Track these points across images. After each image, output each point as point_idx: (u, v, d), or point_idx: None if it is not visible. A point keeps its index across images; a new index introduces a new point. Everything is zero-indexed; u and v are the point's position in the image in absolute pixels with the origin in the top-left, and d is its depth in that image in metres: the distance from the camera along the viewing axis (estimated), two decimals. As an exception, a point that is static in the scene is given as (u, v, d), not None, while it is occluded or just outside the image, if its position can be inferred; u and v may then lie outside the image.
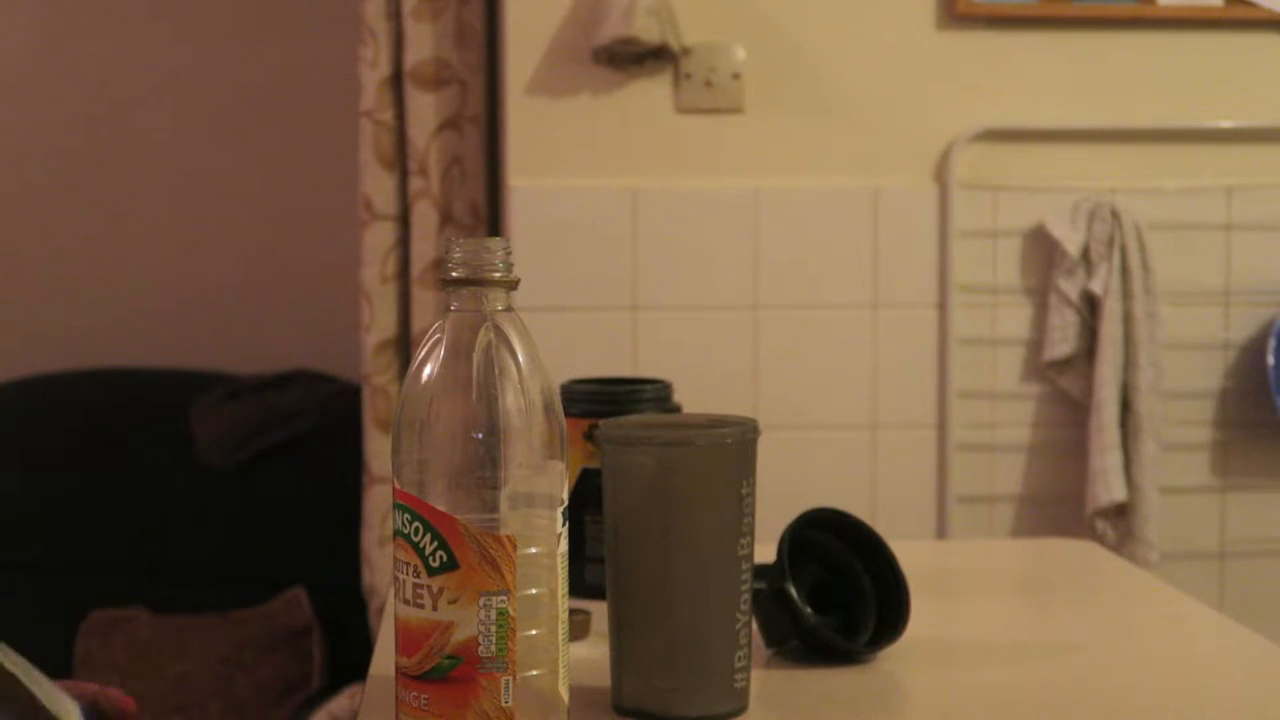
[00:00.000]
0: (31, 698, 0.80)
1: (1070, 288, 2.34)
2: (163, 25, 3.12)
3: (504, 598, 0.80)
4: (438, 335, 0.83)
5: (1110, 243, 2.34)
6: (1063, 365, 2.37)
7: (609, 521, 0.97)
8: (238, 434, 2.71)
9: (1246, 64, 2.42)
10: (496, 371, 0.81)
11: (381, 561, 2.43)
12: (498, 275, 0.83)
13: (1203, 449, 2.43)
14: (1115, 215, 2.34)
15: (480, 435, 0.81)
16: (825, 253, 2.36)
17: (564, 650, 0.84)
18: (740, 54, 2.33)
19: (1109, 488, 2.30)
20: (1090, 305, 2.35)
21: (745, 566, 0.97)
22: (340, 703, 2.42)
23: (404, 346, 2.46)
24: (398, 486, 0.83)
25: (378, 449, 2.44)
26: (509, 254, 0.84)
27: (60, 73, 3.09)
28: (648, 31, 2.21)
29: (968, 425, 2.39)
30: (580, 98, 2.32)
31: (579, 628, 1.12)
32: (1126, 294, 2.34)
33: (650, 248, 2.33)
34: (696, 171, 2.34)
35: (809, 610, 1.08)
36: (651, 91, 2.32)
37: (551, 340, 2.15)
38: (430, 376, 0.82)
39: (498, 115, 2.45)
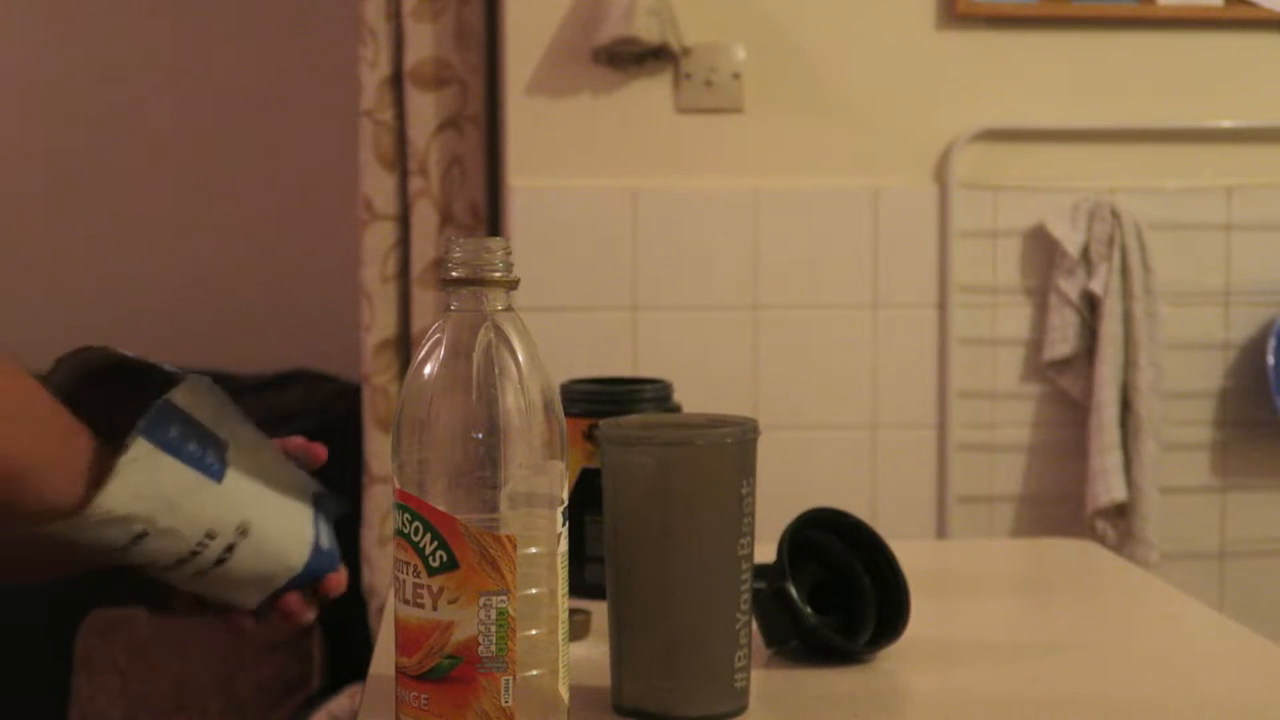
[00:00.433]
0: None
1: (1070, 287, 2.34)
2: (163, 25, 3.12)
3: (504, 598, 0.80)
4: (438, 335, 0.83)
5: (1110, 242, 2.33)
6: (1063, 365, 2.37)
7: (609, 521, 0.97)
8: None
9: (1246, 64, 2.42)
10: (496, 371, 0.81)
11: (381, 561, 2.43)
12: (498, 275, 0.83)
13: (1203, 449, 2.43)
14: (1115, 215, 2.34)
15: (480, 435, 0.81)
16: (825, 253, 2.36)
17: (564, 650, 0.84)
18: (740, 54, 2.33)
19: (1109, 487, 2.30)
20: (1090, 305, 2.35)
21: (745, 566, 0.97)
22: (340, 703, 2.42)
23: (404, 346, 2.46)
24: (397, 486, 0.83)
25: (378, 449, 2.43)
26: (509, 254, 0.84)
27: (60, 72, 3.09)
28: (648, 31, 2.21)
29: (968, 425, 2.39)
30: (580, 98, 2.32)
31: (579, 628, 1.12)
32: (1126, 294, 2.34)
33: (650, 248, 2.33)
34: (696, 171, 2.34)
35: (809, 610, 1.08)
36: (651, 91, 2.32)
37: (551, 340, 2.15)
38: (430, 376, 0.82)
39: (498, 115, 2.45)
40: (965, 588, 1.38)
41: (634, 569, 0.96)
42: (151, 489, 0.86)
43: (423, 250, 2.41)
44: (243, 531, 0.91)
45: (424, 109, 2.40)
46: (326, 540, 1.01)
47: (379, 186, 2.43)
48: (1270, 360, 2.36)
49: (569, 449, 0.85)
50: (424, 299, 2.42)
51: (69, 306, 3.09)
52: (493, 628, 0.80)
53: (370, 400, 2.44)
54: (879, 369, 2.38)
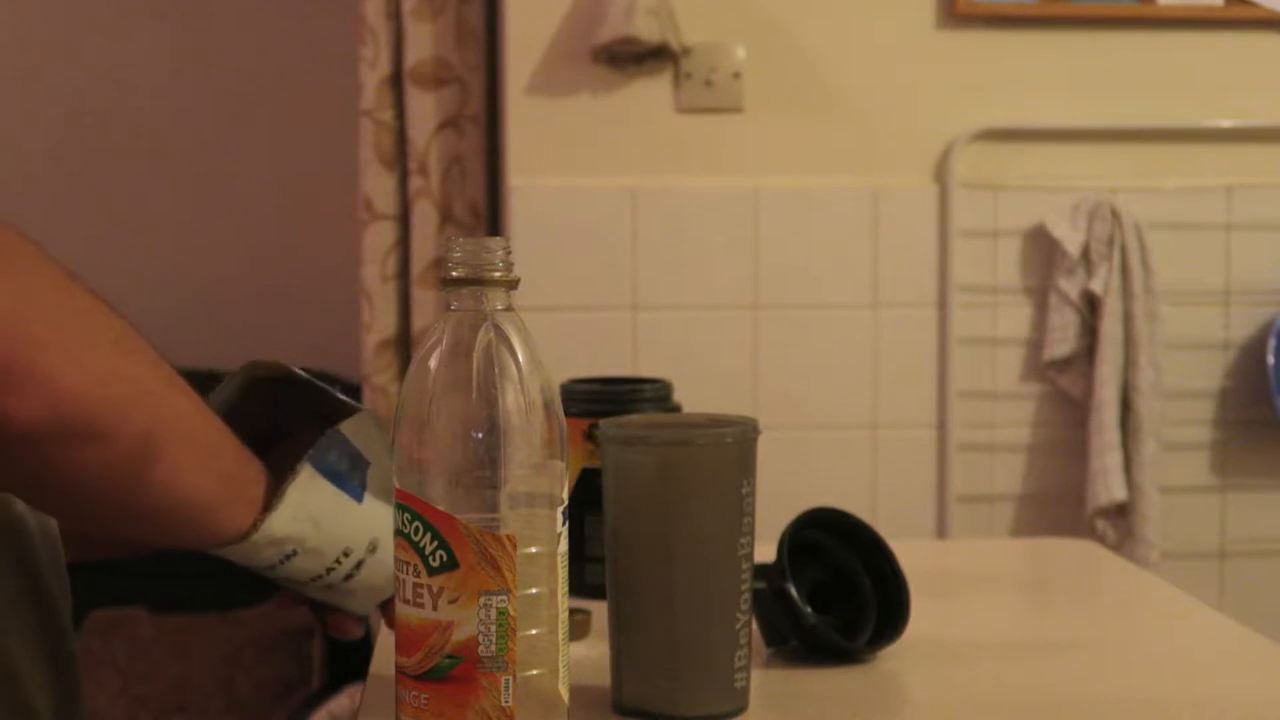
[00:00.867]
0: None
1: (1070, 287, 2.34)
2: (162, 24, 3.12)
3: (504, 597, 0.80)
4: (438, 335, 0.83)
5: (1110, 242, 2.33)
6: (1063, 365, 2.37)
7: (609, 521, 0.97)
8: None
9: (1246, 64, 2.42)
10: (496, 371, 0.81)
11: (381, 561, 2.42)
12: (498, 275, 0.83)
13: (1203, 449, 2.43)
14: (1115, 215, 2.34)
15: (480, 435, 0.81)
16: (825, 252, 2.36)
17: (564, 650, 0.84)
18: (740, 53, 2.32)
19: (1109, 487, 2.30)
20: (1090, 305, 2.35)
21: (745, 566, 0.97)
22: (340, 702, 2.42)
23: (404, 346, 2.46)
24: (397, 486, 0.83)
25: (378, 449, 2.43)
26: (509, 253, 0.84)
27: (60, 72, 3.09)
28: (648, 31, 2.21)
29: (968, 425, 2.39)
30: (580, 97, 2.32)
31: (579, 628, 1.12)
32: (1126, 293, 2.34)
33: (650, 248, 2.33)
34: (696, 171, 2.34)
35: (809, 610, 1.08)
36: (651, 91, 2.32)
37: (551, 340, 2.15)
38: (430, 376, 0.82)
39: (498, 115, 2.45)
40: (965, 588, 1.38)
41: (634, 569, 0.96)
42: (306, 511, 0.88)
43: (423, 250, 2.41)
44: (372, 549, 0.92)
45: (424, 108, 2.40)
46: None
47: (379, 186, 2.43)
48: (1270, 360, 2.36)
49: (569, 449, 0.85)
50: (424, 299, 2.42)
51: (69, 306, 3.08)
52: (493, 627, 0.80)
53: (370, 400, 2.44)
54: (879, 369, 2.38)
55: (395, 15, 2.41)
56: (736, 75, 2.33)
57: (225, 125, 3.12)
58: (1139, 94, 2.40)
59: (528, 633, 0.81)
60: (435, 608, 0.81)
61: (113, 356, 0.76)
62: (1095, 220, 2.34)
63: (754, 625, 1.02)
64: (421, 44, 2.39)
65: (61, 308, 0.76)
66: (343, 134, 2.64)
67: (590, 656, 1.06)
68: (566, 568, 0.84)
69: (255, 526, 0.85)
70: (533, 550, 0.82)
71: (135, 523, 0.83)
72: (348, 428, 0.91)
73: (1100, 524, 2.34)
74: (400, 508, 0.82)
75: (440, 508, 0.81)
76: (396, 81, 2.42)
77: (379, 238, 2.43)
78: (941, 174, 2.37)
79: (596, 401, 1.27)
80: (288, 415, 0.96)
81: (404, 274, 2.45)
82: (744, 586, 0.97)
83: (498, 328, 0.82)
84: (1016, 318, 2.39)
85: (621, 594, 0.97)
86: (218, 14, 3.12)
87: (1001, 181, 2.38)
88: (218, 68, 3.12)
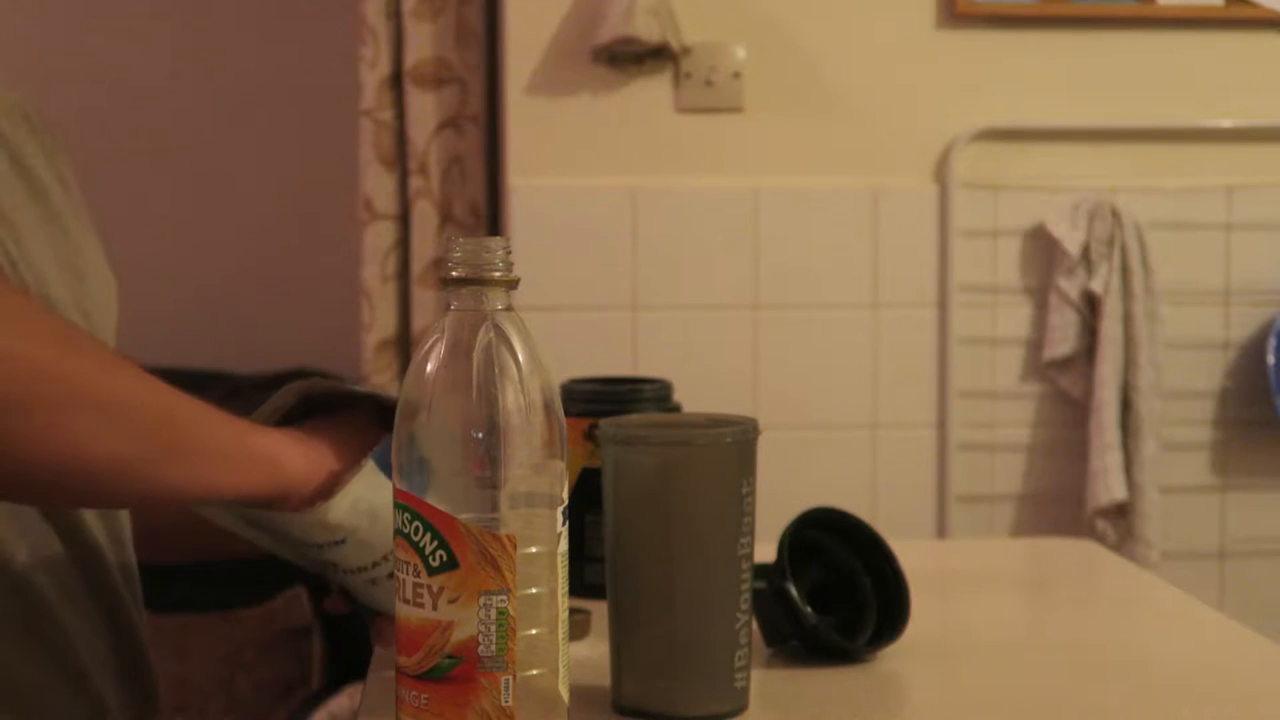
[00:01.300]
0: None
1: (1070, 287, 2.34)
2: (162, 24, 3.12)
3: (504, 597, 0.80)
4: (438, 334, 0.83)
5: (1110, 242, 2.33)
6: (1063, 365, 2.37)
7: (609, 521, 0.97)
8: None
9: (1246, 64, 2.42)
10: (496, 371, 0.81)
11: (381, 561, 2.42)
12: (498, 274, 0.83)
13: (1203, 449, 2.43)
14: (1115, 215, 2.34)
15: (480, 435, 0.81)
16: (825, 253, 2.36)
17: (564, 650, 0.84)
18: (740, 53, 2.32)
19: (1109, 487, 2.30)
20: (1090, 305, 2.35)
21: (745, 566, 0.97)
22: (340, 702, 2.42)
23: (404, 346, 2.46)
24: (397, 486, 0.83)
25: (378, 449, 2.43)
26: (509, 253, 0.84)
27: (60, 71, 3.09)
28: (648, 31, 2.21)
29: (968, 425, 2.39)
30: (580, 97, 2.32)
31: (579, 627, 1.12)
32: (1127, 293, 2.34)
33: (650, 248, 2.33)
34: (696, 171, 2.34)
35: (809, 610, 1.08)
36: (651, 91, 2.32)
37: (551, 340, 2.15)
38: (430, 376, 0.82)
39: (498, 115, 2.45)
40: (965, 587, 1.38)
41: (634, 569, 0.96)
42: (366, 504, 0.91)
43: (423, 250, 2.41)
44: None
45: (424, 108, 2.40)
46: None
47: (379, 186, 2.43)
48: (1270, 360, 2.36)
49: (569, 449, 0.85)
50: (424, 298, 2.42)
51: (69, 306, 3.09)
52: (493, 627, 0.80)
53: (370, 400, 2.44)
54: (879, 369, 2.38)
55: (395, 15, 2.41)
56: (736, 75, 2.33)
57: (225, 125, 3.12)
58: (1139, 94, 2.40)
59: (528, 633, 0.81)
60: (435, 607, 0.81)
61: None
62: (1095, 220, 2.34)
63: (754, 625, 1.02)
64: (421, 44, 2.39)
65: None
66: (343, 134, 2.64)
67: (590, 656, 1.06)
68: (566, 568, 0.84)
69: (311, 505, 0.89)
70: (533, 550, 0.82)
71: (68, 489, 0.86)
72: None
73: (1100, 524, 2.34)
74: (400, 508, 0.82)
75: (440, 508, 0.81)
76: (396, 81, 2.42)
77: (379, 238, 2.43)
78: (941, 174, 2.37)
79: (596, 401, 1.27)
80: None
81: (404, 274, 2.45)
82: (744, 586, 0.97)
83: (498, 328, 0.82)
84: (1016, 318, 2.39)
85: (621, 594, 0.97)
86: (218, 14, 3.12)
87: (1001, 181, 2.38)
88: (218, 67, 3.11)
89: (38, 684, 1.00)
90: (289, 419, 0.96)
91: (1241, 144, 2.42)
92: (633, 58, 2.29)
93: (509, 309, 0.83)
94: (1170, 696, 1.04)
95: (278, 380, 2.90)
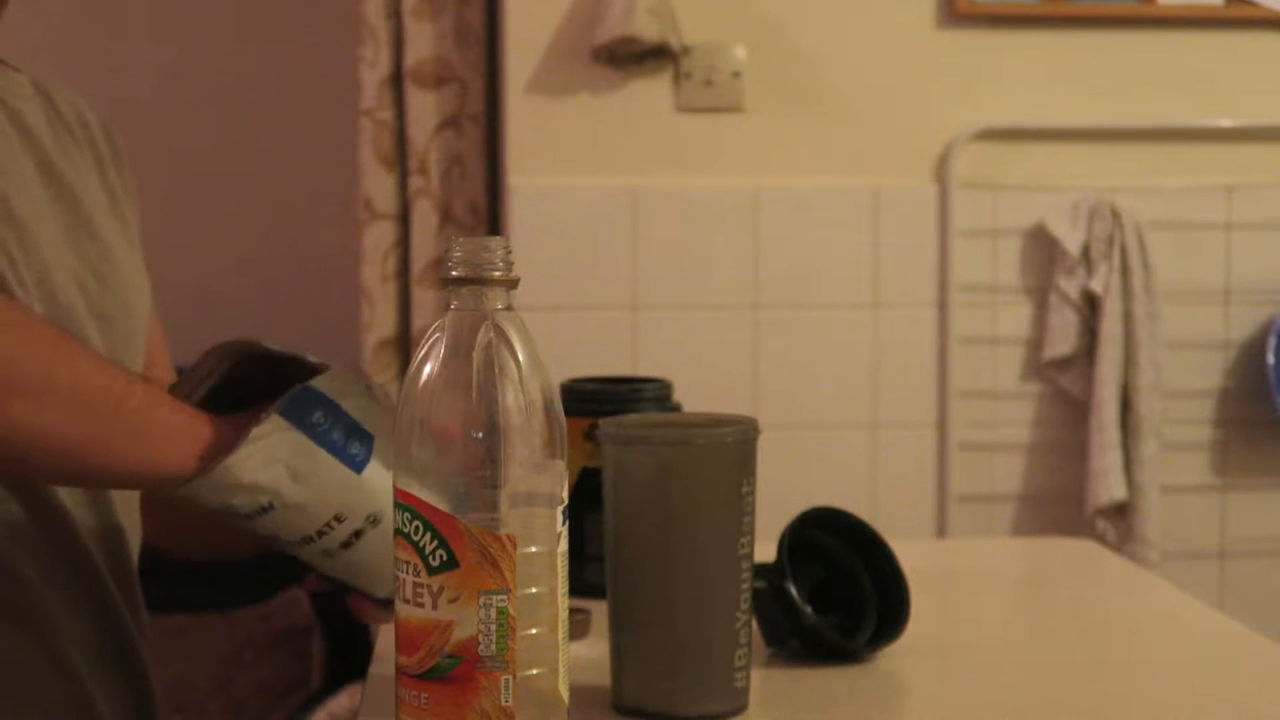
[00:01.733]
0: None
1: (1070, 287, 2.34)
2: (162, 24, 3.12)
3: (504, 597, 0.80)
4: (438, 334, 0.83)
5: (1110, 242, 2.33)
6: (1063, 364, 2.37)
7: (609, 521, 0.97)
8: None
9: (1246, 64, 2.42)
10: (496, 370, 0.81)
11: (381, 561, 2.42)
12: (498, 274, 0.83)
13: (1203, 448, 2.43)
14: (1115, 214, 2.34)
15: (480, 434, 0.81)
16: (825, 252, 2.36)
17: (564, 649, 0.84)
18: (740, 53, 2.32)
19: (1109, 487, 2.30)
20: (1090, 304, 2.35)
21: (745, 566, 0.97)
22: (340, 702, 2.42)
23: (404, 346, 2.46)
24: (397, 485, 0.83)
25: (378, 448, 2.43)
26: (509, 253, 0.84)
27: (59, 71, 3.08)
28: (648, 30, 2.21)
29: (968, 424, 2.39)
30: (580, 97, 2.32)
31: (579, 627, 1.12)
32: (1127, 293, 2.34)
33: (650, 247, 2.33)
34: (696, 171, 2.34)
35: (809, 609, 1.08)
36: (651, 90, 2.32)
37: (551, 340, 2.15)
38: (430, 375, 0.82)
39: (498, 114, 2.45)
40: (965, 587, 1.38)
41: (634, 569, 0.96)
42: (281, 464, 0.91)
43: (423, 249, 2.41)
44: (374, 521, 0.94)
45: (424, 108, 2.40)
46: None
47: (379, 186, 2.43)
48: (1270, 360, 2.36)
49: (569, 448, 0.85)
50: (424, 298, 2.42)
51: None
52: (493, 627, 0.80)
53: (370, 400, 2.44)
54: (879, 369, 2.38)
55: (395, 15, 2.41)
56: (736, 75, 2.33)
57: (225, 125, 3.12)
58: (1139, 94, 2.40)
59: (528, 632, 0.81)
60: (435, 607, 0.81)
61: None
62: (1095, 220, 2.34)
63: (754, 625, 1.02)
64: (421, 44, 2.39)
65: None
66: (343, 134, 2.64)
67: (590, 656, 1.06)
68: (566, 567, 0.84)
69: (214, 465, 0.89)
70: (533, 550, 0.82)
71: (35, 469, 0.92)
72: (323, 384, 0.93)
73: (1100, 524, 2.34)
74: (400, 507, 0.82)
75: (440, 507, 0.81)
76: (396, 81, 2.42)
77: (379, 237, 2.43)
78: (941, 174, 2.37)
79: (596, 401, 1.27)
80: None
81: (404, 273, 2.45)
82: (744, 586, 0.97)
83: (498, 327, 0.82)
84: (1016, 317, 2.39)
85: (621, 593, 0.97)
86: (218, 14, 3.12)
87: (1001, 181, 2.38)
88: (218, 67, 3.11)
89: (15, 662, 1.01)
90: (224, 385, 0.98)
91: (1241, 144, 2.42)
92: (633, 57, 2.29)
93: (509, 309, 0.83)
94: (1170, 696, 1.04)
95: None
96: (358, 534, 0.94)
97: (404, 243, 2.45)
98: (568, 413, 0.85)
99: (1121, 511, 2.34)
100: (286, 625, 2.60)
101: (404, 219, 2.45)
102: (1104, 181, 2.37)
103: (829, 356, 2.36)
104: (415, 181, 2.41)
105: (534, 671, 0.82)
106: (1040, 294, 2.38)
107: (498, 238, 0.84)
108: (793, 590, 1.07)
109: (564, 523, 0.84)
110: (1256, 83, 2.42)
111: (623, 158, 2.33)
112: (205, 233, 3.12)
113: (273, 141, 3.11)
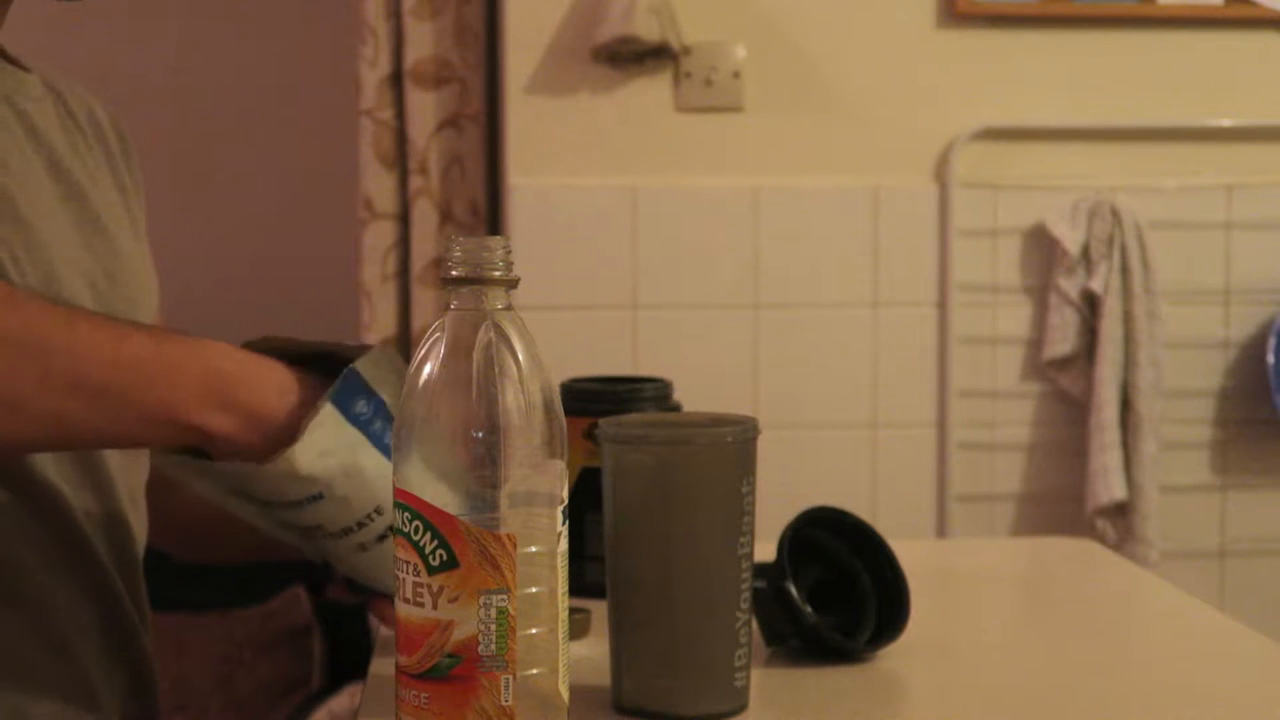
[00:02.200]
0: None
1: (1070, 286, 2.34)
2: (162, 24, 3.12)
3: (504, 596, 0.80)
4: (437, 334, 0.83)
5: (1110, 241, 2.34)
6: (1063, 364, 2.37)
7: (609, 521, 0.97)
8: None
9: (1246, 63, 2.42)
10: (496, 370, 0.81)
11: (381, 561, 2.42)
12: (498, 274, 0.83)
13: (1203, 448, 2.43)
14: (1115, 214, 2.34)
15: (480, 434, 0.81)
16: (825, 252, 2.36)
17: (564, 649, 0.84)
18: (740, 53, 2.32)
19: (1109, 486, 2.30)
20: (1090, 304, 2.35)
21: (745, 566, 0.97)
22: (340, 702, 2.42)
23: (404, 345, 2.46)
24: (397, 485, 0.83)
25: (378, 448, 2.43)
26: (509, 252, 0.84)
27: (59, 70, 3.09)
28: (648, 30, 2.21)
29: (968, 424, 2.39)
30: (580, 96, 2.32)
31: (579, 627, 1.12)
32: (1126, 293, 2.34)
33: (650, 247, 2.33)
34: (696, 170, 2.34)
35: (809, 609, 1.08)
36: (652, 90, 2.32)
37: (551, 339, 2.14)
38: (430, 375, 0.82)
39: (498, 114, 2.45)
40: (965, 587, 1.38)
41: (634, 568, 0.96)
42: (332, 454, 0.92)
43: (423, 249, 2.41)
44: None
45: (424, 108, 2.40)
46: None
47: (379, 185, 2.43)
48: (1270, 359, 2.36)
49: (569, 448, 0.85)
50: (424, 298, 2.42)
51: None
52: (493, 626, 0.80)
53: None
54: (879, 368, 2.38)
55: (395, 14, 2.41)
56: (736, 75, 2.33)
57: (225, 124, 3.12)
58: (1139, 94, 2.40)
59: (528, 632, 0.81)
60: (435, 607, 0.81)
61: None
62: (1095, 219, 2.34)
63: (754, 625, 1.02)
64: (421, 43, 2.39)
65: None
66: (343, 134, 2.64)
67: (590, 656, 1.06)
68: (566, 567, 0.84)
69: (275, 455, 0.90)
70: (533, 550, 0.82)
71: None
72: (364, 368, 0.95)
73: (1100, 523, 2.34)
74: (400, 507, 0.82)
75: (440, 507, 0.81)
76: (396, 81, 2.42)
77: (379, 237, 2.44)
78: (941, 173, 2.37)
79: (596, 401, 1.27)
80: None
81: (404, 273, 2.45)
82: (744, 586, 0.97)
83: (498, 327, 0.82)
84: (1016, 317, 2.39)
85: (621, 593, 0.97)
86: (218, 13, 3.12)
87: (1001, 181, 2.38)
88: (218, 67, 3.11)
89: (13, 647, 1.01)
90: None
91: (1241, 144, 2.42)
92: (633, 57, 2.29)
93: (509, 308, 0.83)
94: (1170, 696, 1.04)
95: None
96: (393, 528, 0.94)
97: (404, 242, 2.45)
98: (567, 412, 0.85)
99: (1121, 511, 2.34)
100: (287, 625, 2.60)
101: (404, 219, 2.45)
102: (1104, 181, 2.38)
103: (829, 356, 2.36)
104: (415, 181, 2.41)
105: (534, 671, 0.82)
106: (1040, 294, 2.38)
107: (498, 237, 0.84)
108: (793, 590, 1.07)
109: (564, 522, 0.84)
110: (1256, 83, 2.42)
111: (623, 157, 2.33)
112: (205, 232, 3.12)
113: (273, 141, 3.11)
